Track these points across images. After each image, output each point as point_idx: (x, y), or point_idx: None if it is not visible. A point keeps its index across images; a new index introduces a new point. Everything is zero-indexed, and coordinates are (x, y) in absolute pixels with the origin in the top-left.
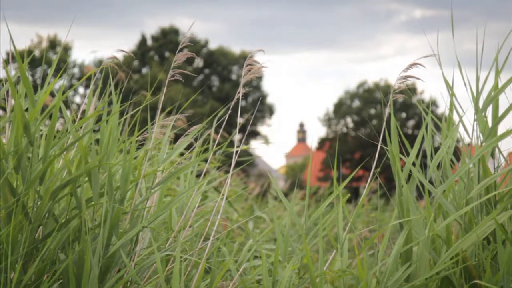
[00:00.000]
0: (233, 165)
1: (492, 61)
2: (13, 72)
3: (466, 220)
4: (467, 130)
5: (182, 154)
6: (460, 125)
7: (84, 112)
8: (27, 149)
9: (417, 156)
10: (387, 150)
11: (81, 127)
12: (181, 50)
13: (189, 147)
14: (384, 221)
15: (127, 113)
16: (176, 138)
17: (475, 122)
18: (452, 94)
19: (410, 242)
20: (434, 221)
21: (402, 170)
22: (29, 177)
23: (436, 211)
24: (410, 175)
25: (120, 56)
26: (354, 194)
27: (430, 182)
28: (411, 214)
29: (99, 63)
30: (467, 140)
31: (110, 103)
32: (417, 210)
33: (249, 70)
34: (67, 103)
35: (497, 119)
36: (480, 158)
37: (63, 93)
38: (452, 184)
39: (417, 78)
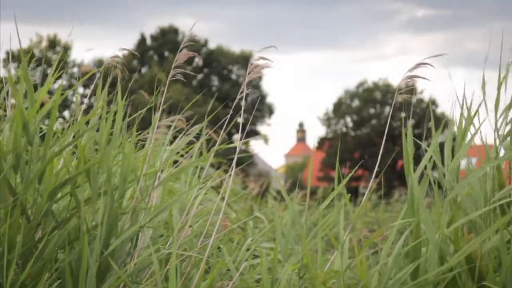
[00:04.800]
0: (233, 165)
1: (497, 60)
2: (12, 72)
3: (486, 223)
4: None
5: (181, 155)
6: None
7: (85, 111)
8: (26, 148)
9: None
10: (390, 149)
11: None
12: (181, 50)
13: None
14: (385, 222)
15: (127, 113)
16: (175, 138)
17: (498, 123)
18: (483, 95)
19: (417, 240)
20: (451, 222)
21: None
22: (28, 176)
23: (453, 211)
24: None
25: (121, 55)
26: (353, 193)
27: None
28: (421, 213)
29: (98, 62)
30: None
31: (109, 103)
32: (428, 210)
33: (254, 68)
34: (65, 103)
35: None
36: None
37: (62, 93)
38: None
39: (423, 78)
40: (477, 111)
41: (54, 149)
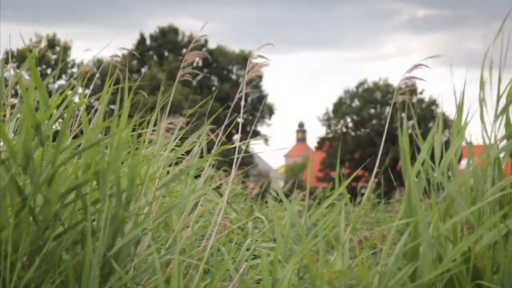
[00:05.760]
0: (235, 166)
1: (496, 60)
2: (12, 72)
3: (480, 222)
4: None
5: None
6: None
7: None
8: (36, 150)
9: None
10: (388, 149)
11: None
12: (189, 50)
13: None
14: (385, 222)
15: (130, 114)
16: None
17: (495, 123)
18: (482, 99)
19: (415, 241)
20: (442, 220)
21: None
22: (38, 179)
23: (444, 210)
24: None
25: (120, 54)
26: (352, 193)
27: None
28: (417, 212)
29: (98, 62)
30: (478, 140)
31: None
32: (424, 210)
33: (253, 67)
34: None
35: None
36: (496, 159)
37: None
38: (465, 181)
39: (421, 79)
40: (460, 106)
41: (65, 155)
